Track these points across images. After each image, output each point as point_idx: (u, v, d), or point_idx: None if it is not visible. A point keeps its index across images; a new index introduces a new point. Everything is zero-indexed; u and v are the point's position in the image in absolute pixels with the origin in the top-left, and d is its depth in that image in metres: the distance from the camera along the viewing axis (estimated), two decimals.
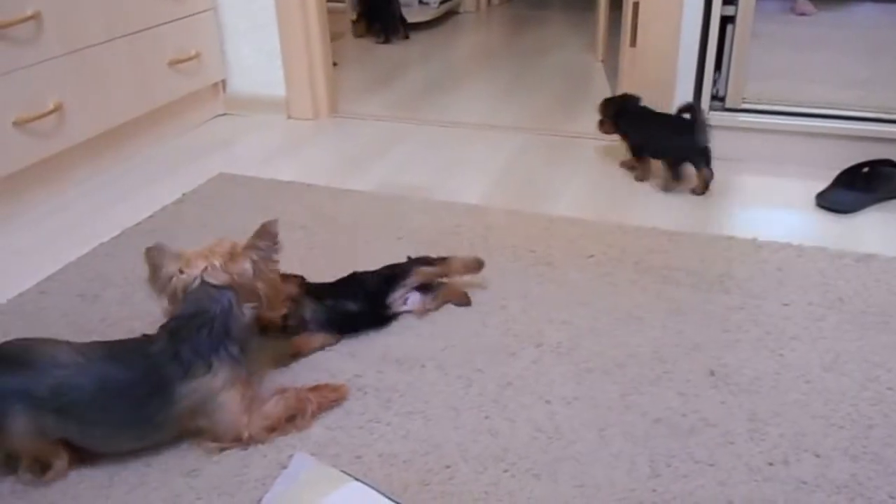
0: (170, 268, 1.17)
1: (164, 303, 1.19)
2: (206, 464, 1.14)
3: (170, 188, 2.07)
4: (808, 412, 1.20)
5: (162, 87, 2.37)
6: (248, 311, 1.18)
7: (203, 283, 1.15)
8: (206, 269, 1.15)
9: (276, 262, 1.22)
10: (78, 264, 1.68)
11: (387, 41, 3.68)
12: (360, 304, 1.43)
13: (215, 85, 2.66)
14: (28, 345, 1.12)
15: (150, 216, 1.91)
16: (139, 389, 1.10)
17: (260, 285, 1.18)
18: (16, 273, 1.67)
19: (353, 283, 1.47)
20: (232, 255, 1.17)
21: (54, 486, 1.10)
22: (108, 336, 1.41)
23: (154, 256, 1.18)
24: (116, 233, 1.82)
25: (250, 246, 1.19)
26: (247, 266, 1.17)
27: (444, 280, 1.52)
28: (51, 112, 1.98)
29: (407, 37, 3.74)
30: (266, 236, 1.20)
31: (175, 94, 2.44)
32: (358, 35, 3.79)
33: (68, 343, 1.13)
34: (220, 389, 1.13)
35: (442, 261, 1.52)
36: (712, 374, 1.29)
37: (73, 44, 2.04)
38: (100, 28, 2.11)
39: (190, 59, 2.45)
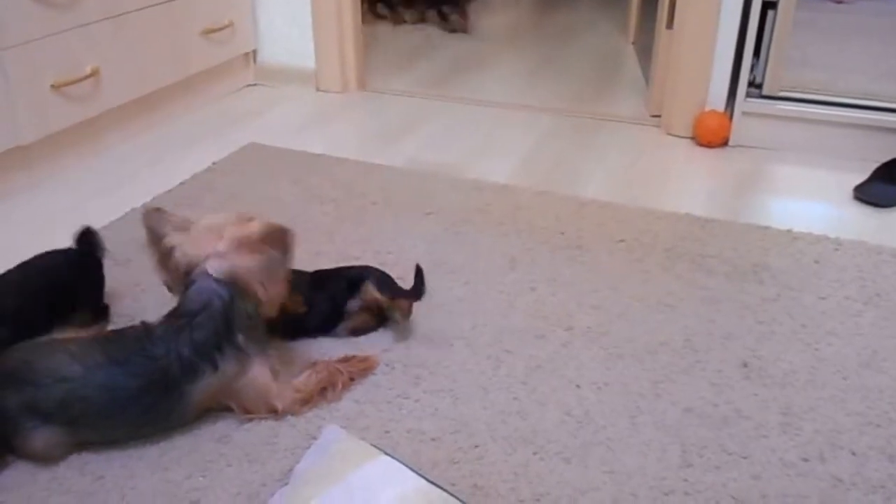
0: (173, 238, 1.12)
1: (163, 274, 1.15)
2: (236, 431, 1.14)
3: (200, 156, 2.07)
4: (845, 409, 1.18)
5: (195, 55, 2.37)
6: (249, 302, 1.12)
7: (206, 273, 1.10)
8: (210, 256, 1.10)
9: (285, 272, 1.15)
10: (111, 228, 1.69)
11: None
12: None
13: (246, 55, 2.65)
14: (27, 357, 1.09)
15: (181, 184, 1.92)
16: (148, 395, 1.07)
17: (261, 289, 1.11)
18: (50, 235, 1.67)
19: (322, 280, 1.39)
20: (241, 244, 1.10)
21: (88, 451, 1.11)
22: (141, 301, 1.44)
23: (154, 221, 1.13)
24: (148, 199, 1.82)
25: (262, 246, 1.10)
26: (254, 268, 1.10)
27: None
28: (87, 77, 1.98)
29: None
30: (280, 246, 1.12)
31: (207, 63, 2.43)
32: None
33: (64, 347, 1.08)
34: (233, 378, 1.11)
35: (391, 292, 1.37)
36: (745, 365, 1.28)
37: (111, 9, 2.03)
38: None
39: (223, 28, 2.44)
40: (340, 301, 1.35)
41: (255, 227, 1.12)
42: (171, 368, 1.07)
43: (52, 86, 1.90)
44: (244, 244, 1.11)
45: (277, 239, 1.12)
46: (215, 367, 1.09)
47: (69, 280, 1.33)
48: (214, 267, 1.10)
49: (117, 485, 1.06)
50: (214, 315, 1.09)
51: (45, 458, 1.09)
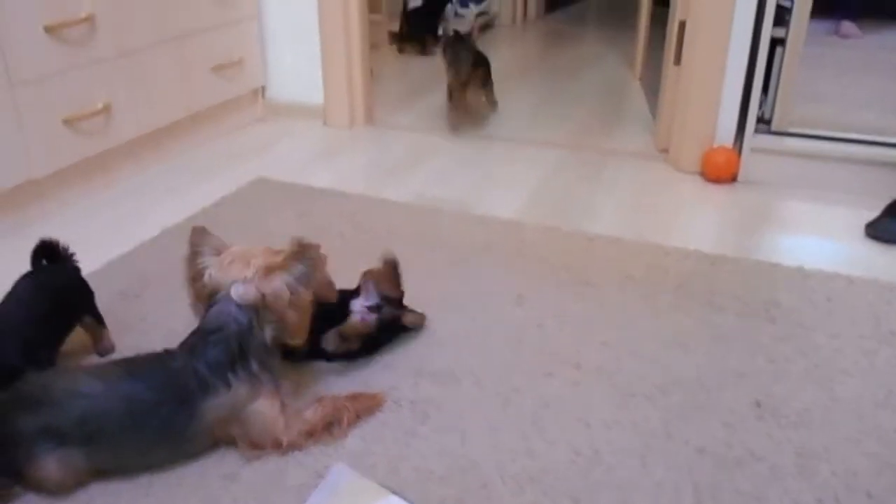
0: (206, 259, 1.15)
1: (191, 293, 1.18)
2: (243, 469, 1.13)
3: (209, 190, 2.08)
4: (861, 449, 1.16)
5: (205, 91, 2.40)
6: (268, 331, 1.14)
7: (228, 298, 1.12)
8: (236, 281, 1.12)
9: (312, 287, 1.16)
10: (120, 262, 1.69)
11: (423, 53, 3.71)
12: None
13: (255, 91, 2.68)
14: (45, 382, 1.09)
15: (190, 217, 1.92)
16: (165, 406, 1.08)
17: (290, 313, 1.13)
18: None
19: None
20: (268, 271, 1.12)
21: (95, 486, 1.10)
22: (148, 335, 1.43)
23: (197, 238, 1.17)
24: (157, 233, 1.83)
25: (285, 265, 1.12)
26: (281, 289, 1.11)
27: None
28: (99, 112, 2.01)
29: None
30: (303, 257, 1.14)
31: (217, 99, 2.46)
32: (401, 51, 3.80)
33: (84, 370, 1.11)
34: (245, 402, 1.11)
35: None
36: (758, 405, 1.26)
37: (124, 46, 2.06)
38: (150, 31, 2.14)
39: (233, 64, 2.47)
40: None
41: (282, 255, 1.14)
42: (188, 382, 1.09)
43: (65, 120, 1.92)
44: (270, 270, 1.13)
45: (304, 252, 1.14)
46: (228, 386, 1.10)
47: (68, 294, 1.34)
48: (239, 293, 1.12)
49: None
50: (228, 337, 1.11)
51: (58, 486, 1.07)
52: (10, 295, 1.28)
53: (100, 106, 2.00)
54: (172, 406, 1.08)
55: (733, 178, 2.16)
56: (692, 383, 1.31)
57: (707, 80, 2.14)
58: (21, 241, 1.83)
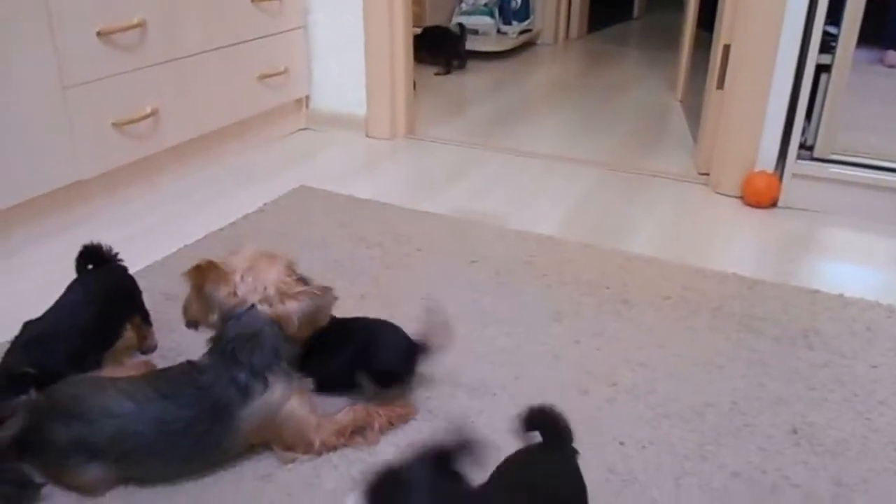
0: (221, 291, 1.14)
1: (198, 310, 1.18)
2: (278, 470, 1.15)
3: (252, 197, 2.11)
4: None
5: (250, 99, 2.44)
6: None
7: (254, 308, 1.13)
8: (261, 300, 1.14)
9: (312, 324, 1.18)
10: (163, 263, 1.73)
11: (447, 72, 3.64)
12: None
13: (299, 100, 2.72)
14: (76, 393, 1.10)
15: (232, 223, 1.96)
16: (199, 425, 1.09)
17: (300, 328, 1.15)
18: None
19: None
20: (283, 297, 1.14)
21: (132, 484, 1.12)
22: (189, 335, 1.43)
23: (199, 277, 1.15)
24: (200, 236, 1.86)
25: (299, 298, 1.15)
26: (291, 314, 1.14)
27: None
28: (147, 116, 2.05)
29: (461, 67, 3.69)
30: (317, 298, 1.17)
31: (262, 107, 2.51)
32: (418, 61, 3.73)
33: (113, 384, 1.10)
34: (280, 403, 1.13)
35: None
36: (795, 431, 1.24)
37: (173, 52, 2.11)
38: (199, 39, 2.19)
39: (279, 74, 2.51)
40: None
41: (298, 286, 1.17)
42: (223, 395, 1.10)
43: (114, 124, 1.97)
44: (286, 296, 1.15)
45: (321, 295, 1.17)
46: (266, 384, 1.11)
47: (119, 296, 1.37)
48: (263, 308, 1.14)
49: None
50: (265, 338, 1.12)
51: (90, 492, 1.09)
52: (61, 301, 1.30)
53: (148, 110, 2.05)
54: (206, 423, 1.09)
55: (774, 203, 2.15)
56: (728, 407, 1.30)
57: (750, 105, 2.13)
58: (68, 240, 1.87)
